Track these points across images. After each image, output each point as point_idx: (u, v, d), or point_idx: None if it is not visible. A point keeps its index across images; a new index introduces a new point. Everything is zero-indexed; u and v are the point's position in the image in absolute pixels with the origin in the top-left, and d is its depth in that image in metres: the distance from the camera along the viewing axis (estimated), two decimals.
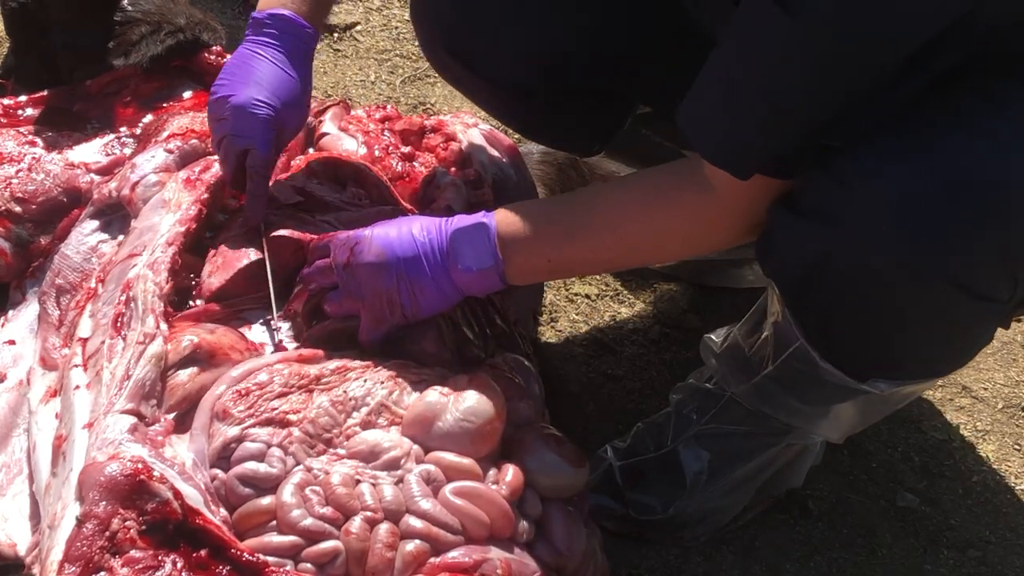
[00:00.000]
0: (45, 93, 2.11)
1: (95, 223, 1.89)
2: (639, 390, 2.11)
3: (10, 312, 1.89)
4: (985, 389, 2.23)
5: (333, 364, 1.60)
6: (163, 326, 1.62)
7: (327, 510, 1.47)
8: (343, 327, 1.67)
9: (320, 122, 2.04)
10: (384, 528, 1.46)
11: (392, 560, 1.45)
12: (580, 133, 2.16)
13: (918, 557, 1.92)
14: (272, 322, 1.68)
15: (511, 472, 1.54)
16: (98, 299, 1.73)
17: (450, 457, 1.53)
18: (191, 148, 1.92)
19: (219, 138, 1.75)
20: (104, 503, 1.39)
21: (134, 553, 1.38)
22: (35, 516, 1.63)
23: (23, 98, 2.10)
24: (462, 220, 1.65)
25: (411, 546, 1.46)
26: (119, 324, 1.64)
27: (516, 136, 2.42)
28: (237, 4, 2.83)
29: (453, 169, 1.98)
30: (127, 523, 1.39)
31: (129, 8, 2.12)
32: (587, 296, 2.28)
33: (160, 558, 1.38)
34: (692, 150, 1.58)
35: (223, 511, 1.48)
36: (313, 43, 1.80)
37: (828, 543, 1.92)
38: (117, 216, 1.87)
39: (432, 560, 1.46)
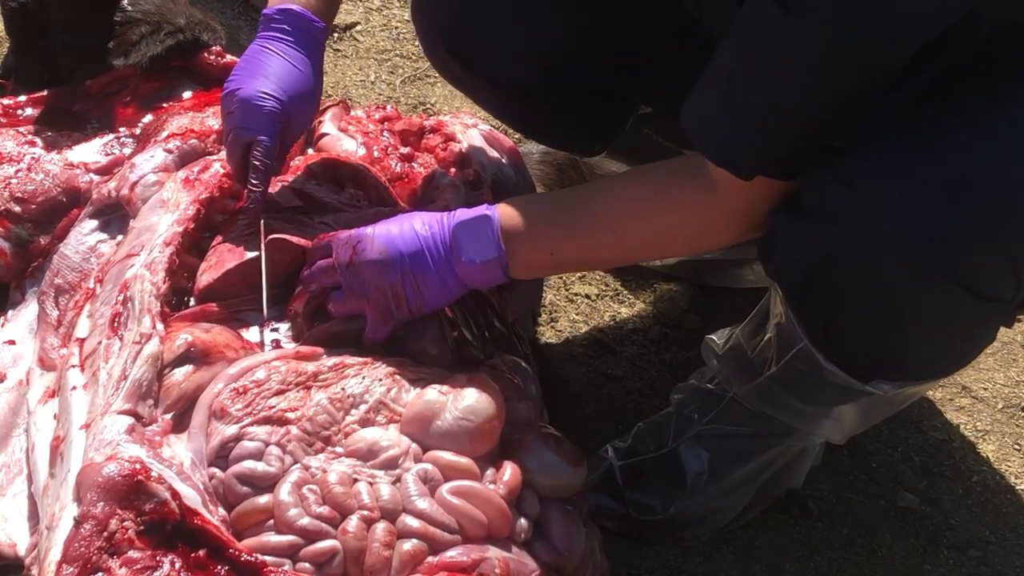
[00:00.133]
0: (45, 93, 2.11)
1: (94, 223, 1.89)
2: (639, 390, 2.11)
3: (10, 312, 1.89)
4: (985, 389, 2.22)
5: (331, 361, 1.60)
6: (159, 326, 1.62)
7: (324, 509, 1.46)
8: (344, 329, 1.67)
9: (320, 122, 2.04)
10: (381, 527, 1.46)
11: (389, 559, 1.45)
12: (581, 133, 2.16)
13: (918, 557, 1.92)
14: (269, 321, 1.68)
15: (509, 471, 1.54)
16: (96, 299, 1.73)
17: (448, 456, 1.53)
18: (190, 148, 1.92)
19: (227, 132, 1.76)
20: (102, 503, 1.39)
21: (132, 553, 1.38)
22: (35, 516, 1.63)
23: (23, 98, 2.10)
24: (464, 213, 1.65)
25: (408, 545, 1.46)
26: (116, 324, 1.64)
27: (516, 136, 2.42)
28: (237, 4, 2.82)
29: (452, 170, 1.98)
30: (125, 523, 1.39)
31: (129, 8, 2.12)
32: (587, 296, 2.27)
33: (158, 558, 1.38)
34: (694, 150, 1.58)
35: (221, 510, 1.48)
36: (323, 37, 1.81)
37: (828, 543, 1.92)
38: (116, 216, 1.88)
39: (430, 559, 1.46)
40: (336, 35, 2.79)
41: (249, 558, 1.41)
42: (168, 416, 1.55)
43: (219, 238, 1.77)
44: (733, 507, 1.88)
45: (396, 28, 2.84)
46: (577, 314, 2.24)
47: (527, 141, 2.42)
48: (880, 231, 1.49)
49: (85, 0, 2.12)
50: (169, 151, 1.91)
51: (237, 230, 1.76)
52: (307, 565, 1.44)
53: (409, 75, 2.72)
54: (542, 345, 2.16)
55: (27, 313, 1.87)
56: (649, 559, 1.85)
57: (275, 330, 1.68)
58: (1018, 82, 1.50)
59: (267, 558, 1.42)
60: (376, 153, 1.98)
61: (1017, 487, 2.06)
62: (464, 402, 1.55)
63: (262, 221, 1.73)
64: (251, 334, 1.68)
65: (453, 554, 1.46)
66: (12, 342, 1.85)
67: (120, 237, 1.84)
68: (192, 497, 1.45)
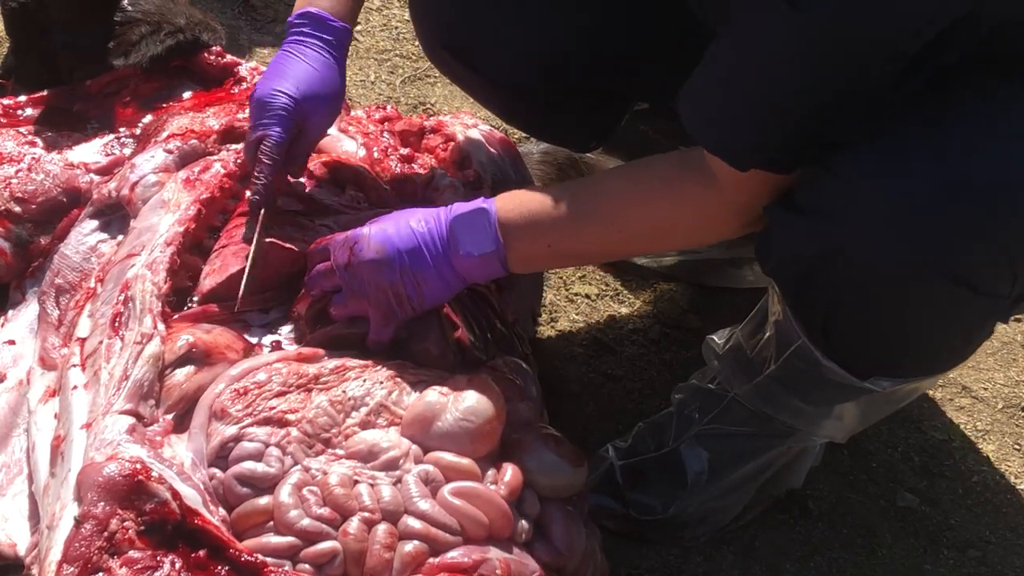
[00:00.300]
0: (45, 93, 2.11)
1: (94, 223, 1.89)
2: (639, 390, 2.11)
3: (10, 312, 1.89)
4: (985, 389, 2.22)
5: (332, 363, 1.60)
6: (160, 326, 1.62)
7: (325, 510, 1.46)
8: (346, 332, 1.67)
9: None
10: (382, 529, 1.46)
11: (390, 561, 1.45)
12: (579, 130, 2.16)
13: (918, 557, 1.92)
14: (243, 305, 1.68)
15: (510, 472, 1.54)
16: (97, 299, 1.73)
17: (449, 457, 1.53)
18: (191, 148, 1.92)
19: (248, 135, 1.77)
20: (102, 503, 1.39)
21: (132, 553, 1.38)
22: (35, 516, 1.63)
23: (23, 98, 2.10)
24: (461, 207, 1.64)
25: (409, 547, 1.46)
26: (117, 324, 1.64)
27: (516, 136, 2.42)
28: (237, 4, 2.83)
29: (452, 170, 1.98)
30: (125, 523, 1.39)
31: (129, 8, 2.12)
32: (587, 296, 2.27)
33: (158, 558, 1.38)
34: (691, 144, 1.58)
35: (222, 511, 1.48)
36: (343, 37, 1.81)
37: (828, 543, 1.92)
38: (116, 216, 1.88)
39: (431, 560, 1.46)
40: None
41: (249, 558, 1.41)
42: (169, 416, 1.55)
43: (222, 240, 1.77)
44: (733, 507, 1.88)
45: (396, 28, 2.84)
46: (577, 314, 2.24)
47: (527, 141, 2.42)
48: (878, 229, 1.49)
49: (85, 0, 2.12)
50: (169, 151, 1.90)
51: (240, 231, 1.76)
52: (307, 566, 1.44)
53: (409, 75, 2.72)
54: (542, 345, 2.16)
55: (27, 313, 1.87)
56: (649, 559, 1.85)
57: (277, 332, 1.68)
58: (1018, 82, 1.50)
59: (267, 559, 1.42)
60: (376, 154, 1.98)
61: (1017, 487, 2.06)
62: (465, 403, 1.55)
63: (262, 211, 1.73)
64: (253, 335, 1.68)
65: (454, 555, 1.46)
66: (12, 342, 1.85)
67: (120, 237, 1.84)
68: (193, 497, 1.45)
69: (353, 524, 1.46)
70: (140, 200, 1.84)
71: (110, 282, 1.72)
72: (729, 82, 1.51)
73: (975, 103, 1.49)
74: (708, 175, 1.56)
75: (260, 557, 1.42)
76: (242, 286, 1.69)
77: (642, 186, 1.64)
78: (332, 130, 2.00)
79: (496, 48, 1.96)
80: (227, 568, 1.40)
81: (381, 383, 1.58)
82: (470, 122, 2.08)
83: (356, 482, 1.49)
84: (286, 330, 1.69)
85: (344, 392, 1.56)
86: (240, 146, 1.90)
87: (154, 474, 1.42)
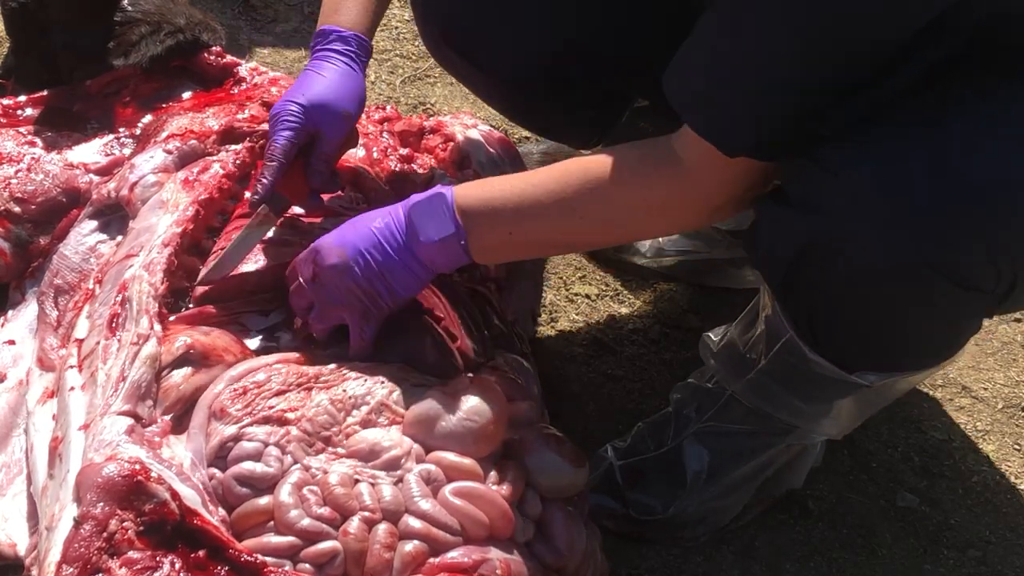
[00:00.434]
0: (45, 93, 2.11)
1: (94, 223, 1.89)
2: (639, 390, 2.11)
3: (10, 312, 1.89)
4: (985, 389, 2.22)
5: (332, 363, 1.60)
6: (157, 327, 1.62)
7: (325, 510, 1.46)
8: None
9: None
10: (382, 528, 1.46)
11: (391, 561, 1.45)
12: (580, 126, 2.17)
13: (918, 557, 1.92)
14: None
15: (511, 472, 1.54)
16: (95, 300, 1.73)
17: (451, 457, 1.53)
18: (190, 149, 1.92)
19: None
20: (102, 504, 1.39)
21: (132, 554, 1.38)
22: (35, 516, 1.63)
23: (23, 98, 2.10)
24: (418, 196, 1.63)
25: (410, 546, 1.46)
26: (114, 325, 1.64)
27: (517, 137, 2.42)
28: (237, 4, 2.83)
29: (452, 170, 1.98)
30: (125, 524, 1.39)
31: (129, 8, 2.12)
32: (587, 296, 2.27)
33: (158, 559, 1.38)
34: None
35: (221, 511, 1.47)
36: (357, 45, 1.81)
37: (828, 543, 1.92)
38: (116, 216, 1.88)
39: (431, 560, 1.46)
40: None
41: (249, 558, 1.41)
42: (167, 417, 1.55)
43: (221, 243, 1.77)
44: (733, 507, 1.88)
45: (396, 28, 2.84)
46: (577, 314, 2.24)
47: (527, 141, 2.42)
48: (864, 221, 1.49)
49: (85, 0, 2.12)
50: (169, 152, 1.90)
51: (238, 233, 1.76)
52: (307, 566, 1.43)
53: (409, 75, 2.72)
54: (542, 345, 2.16)
55: (27, 313, 1.87)
56: (649, 559, 1.85)
57: (276, 335, 1.68)
58: (1018, 82, 1.50)
59: (267, 559, 1.42)
60: (375, 154, 1.98)
61: (1017, 487, 2.06)
62: (468, 403, 1.55)
63: (260, 208, 1.73)
64: (251, 337, 1.68)
65: (454, 555, 1.46)
66: (12, 342, 1.85)
67: (119, 238, 1.84)
68: (192, 497, 1.45)
69: (353, 524, 1.46)
70: (139, 200, 1.84)
71: (108, 283, 1.72)
72: (717, 63, 1.50)
73: (975, 103, 1.49)
74: (677, 161, 1.55)
75: (260, 557, 1.42)
76: (208, 263, 1.68)
77: (608, 174, 1.59)
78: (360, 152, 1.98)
79: (497, 46, 1.96)
80: (227, 568, 1.40)
81: (382, 382, 1.58)
82: (470, 122, 2.08)
83: (357, 481, 1.49)
84: (285, 333, 1.69)
85: (345, 391, 1.56)
86: (239, 147, 1.91)
87: (153, 474, 1.42)
